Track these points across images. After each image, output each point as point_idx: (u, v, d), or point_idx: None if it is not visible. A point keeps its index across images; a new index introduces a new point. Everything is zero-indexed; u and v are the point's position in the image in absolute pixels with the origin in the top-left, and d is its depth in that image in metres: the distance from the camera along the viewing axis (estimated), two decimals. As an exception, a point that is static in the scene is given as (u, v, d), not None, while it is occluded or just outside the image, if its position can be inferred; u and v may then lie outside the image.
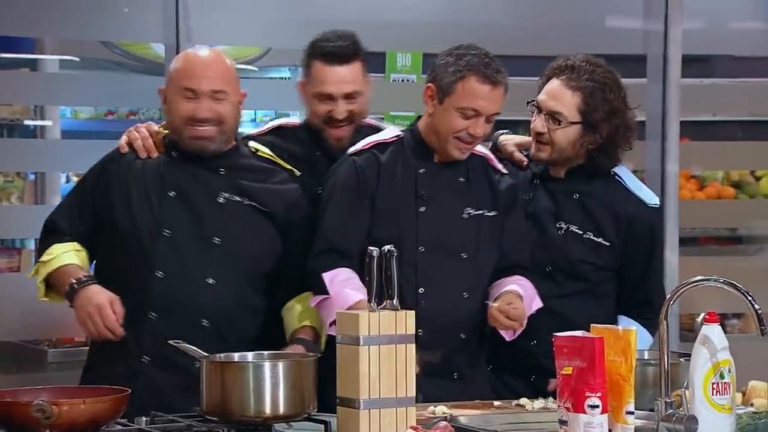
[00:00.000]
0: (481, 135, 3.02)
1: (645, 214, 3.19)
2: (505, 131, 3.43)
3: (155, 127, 3.13)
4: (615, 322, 3.17)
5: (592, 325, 2.55)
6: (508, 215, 3.13)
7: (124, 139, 3.13)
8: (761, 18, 4.97)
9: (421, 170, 3.05)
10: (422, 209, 3.02)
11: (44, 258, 2.99)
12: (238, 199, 3.00)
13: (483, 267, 3.08)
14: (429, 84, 3.02)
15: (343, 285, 2.92)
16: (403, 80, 6.21)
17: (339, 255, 2.97)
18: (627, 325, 2.95)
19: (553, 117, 3.12)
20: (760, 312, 2.53)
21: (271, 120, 5.99)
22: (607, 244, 3.16)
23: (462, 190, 3.08)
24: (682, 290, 2.55)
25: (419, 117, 3.15)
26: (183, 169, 3.00)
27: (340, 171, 3.05)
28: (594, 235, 3.15)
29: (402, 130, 3.14)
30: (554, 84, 3.14)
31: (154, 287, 2.92)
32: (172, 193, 2.98)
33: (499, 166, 3.19)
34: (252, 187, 3.02)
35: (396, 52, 6.18)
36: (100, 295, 2.83)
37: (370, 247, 2.49)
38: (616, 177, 3.22)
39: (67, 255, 2.97)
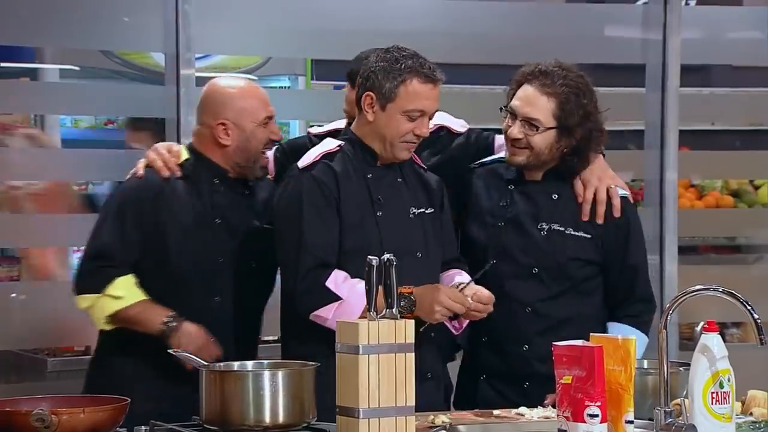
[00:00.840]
0: (427, 134, 3.06)
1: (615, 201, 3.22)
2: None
3: (176, 148, 3.26)
4: (602, 319, 3.21)
5: (591, 334, 2.55)
6: (443, 211, 3.18)
7: (141, 163, 3.21)
8: (760, 28, 4.98)
9: (369, 175, 3.06)
10: (379, 214, 3.04)
11: (113, 293, 3.10)
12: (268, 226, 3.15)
13: (434, 264, 3.12)
14: (367, 93, 3.01)
15: (348, 284, 2.94)
16: (402, 89, 6.23)
17: (328, 267, 2.98)
18: (620, 333, 2.96)
19: (530, 123, 3.14)
20: (759, 321, 2.53)
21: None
22: (588, 236, 3.18)
23: (403, 190, 3.11)
24: (682, 299, 2.55)
25: (349, 124, 3.14)
26: (227, 196, 3.17)
27: (302, 187, 3.01)
28: (574, 230, 3.19)
29: (340, 140, 3.10)
30: (528, 90, 3.15)
31: (212, 312, 3.10)
32: (218, 221, 3.14)
33: (420, 162, 3.22)
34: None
35: (395, 61, 6.19)
36: (199, 329, 3.05)
37: (369, 257, 2.49)
38: None
39: (137, 291, 3.11)
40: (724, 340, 2.54)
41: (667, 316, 2.51)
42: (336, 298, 2.92)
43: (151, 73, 5.21)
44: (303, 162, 3.05)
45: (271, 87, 5.76)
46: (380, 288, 2.45)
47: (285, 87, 5.80)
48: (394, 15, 4.46)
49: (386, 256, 2.48)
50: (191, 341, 2.99)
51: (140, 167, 3.20)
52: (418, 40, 4.58)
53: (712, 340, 2.54)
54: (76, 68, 5.29)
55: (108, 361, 3.17)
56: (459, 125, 3.45)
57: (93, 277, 3.12)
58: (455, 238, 3.26)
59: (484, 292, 3.01)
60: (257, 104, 3.20)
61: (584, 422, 2.34)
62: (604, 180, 3.23)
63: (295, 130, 5.93)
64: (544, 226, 3.19)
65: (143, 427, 2.50)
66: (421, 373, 2.92)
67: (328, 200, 2.99)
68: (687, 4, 5.54)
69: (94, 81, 5.31)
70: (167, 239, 3.10)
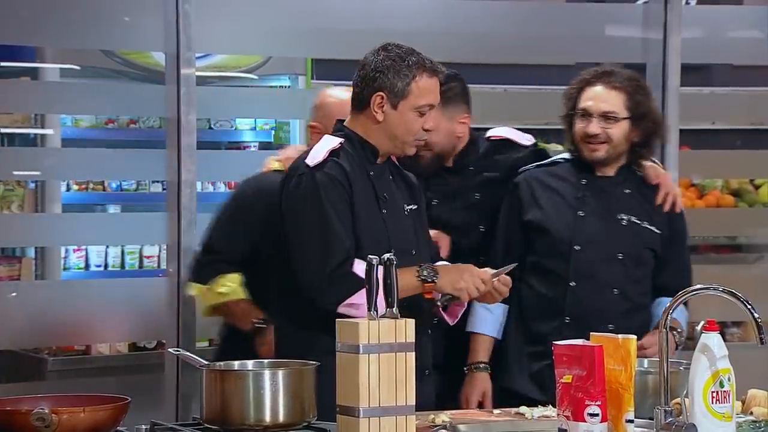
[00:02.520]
0: (434, 127, 3.12)
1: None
2: None
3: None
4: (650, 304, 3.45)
5: (591, 333, 2.55)
6: (424, 208, 3.22)
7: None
8: (760, 27, 4.98)
9: (371, 172, 3.07)
10: (384, 211, 3.06)
11: (221, 289, 3.37)
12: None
13: (425, 260, 3.11)
14: (378, 93, 3.00)
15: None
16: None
17: (352, 258, 2.97)
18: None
19: (606, 117, 3.39)
20: (759, 320, 2.53)
21: (271, 128, 6.06)
22: (659, 231, 3.45)
23: (396, 188, 3.12)
24: (682, 298, 2.55)
25: (339, 122, 3.12)
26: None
27: (318, 184, 2.98)
28: (649, 224, 3.44)
29: (339, 137, 3.09)
30: (596, 89, 3.43)
31: None
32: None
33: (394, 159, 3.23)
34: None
35: (396, 60, 6.18)
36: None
37: (369, 256, 2.49)
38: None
39: (240, 290, 3.38)
40: (725, 340, 2.53)
41: (667, 316, 2.51)
42: (365, 283, 2.92)
43: (152, 72, 5.21)
44: (312, 160, 3.02)
45: (271, 86, 5.77)
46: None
47: (285, 86, 5.80)
48: (394, 14, 4.46)
49: (386, 255, 2.48)
50: (269, 348, 3.22)
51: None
52: (418, 40, 4.58)
53: (712, 340, 2.54)
54: (77, 68, 5.29)
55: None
56: (525, 139, 3.64)
57: (203, 269, 3.43)
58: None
59: (506, 276, 3.09)
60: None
61: (584, 421, 2.34)
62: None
63: (296, 130, 5.94)
64: (624, 217, 3.43)
65: (144, 426, 2.50)
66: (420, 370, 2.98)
67: (343, 197, 2.99)
68: (687, 3, 5.54)
69: (94, 80, 5.31)
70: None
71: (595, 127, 3.40)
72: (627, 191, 3.47)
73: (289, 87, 5.77)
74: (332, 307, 2.90)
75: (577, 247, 3.40)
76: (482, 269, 3.06)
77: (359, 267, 2.91)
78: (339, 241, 2.94)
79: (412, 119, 3.01)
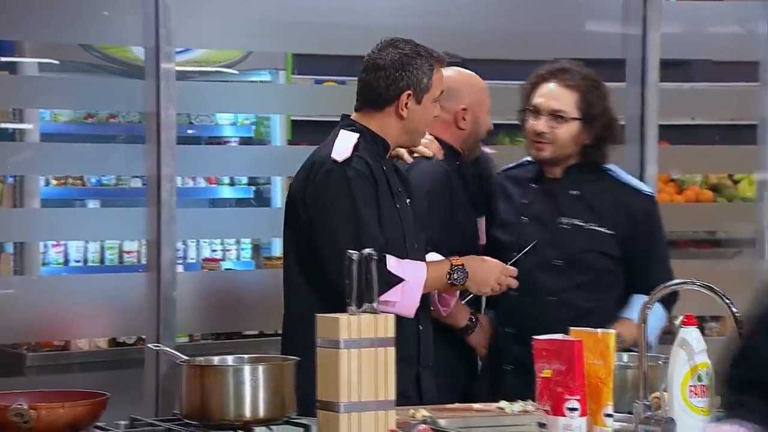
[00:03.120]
0: (439, 113, 3.13)
1: (640, 201, 3.34)
2: None
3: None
4: (620, 310, 3.31)
5: (571, 328, 2.56)
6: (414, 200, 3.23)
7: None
8: (739, 23, 5.00)
9: (384, 167, 3.07)
10: (398, 206, 3.07)
11: None
12: None
13: (421, 256, 3.13)
14: (407, 92, 3.01)
15: (403, 265, 2.97)
16: (383, 84, 6.22)
17: (384, 254, 2.97)
18: (640, 301, 3.03)
19: (555, 116, 3.28)
20: (738, 315, 2.54)
21: (252, 123, 6.05)
22: (610, 232, 3.30)
23: (398, 183, 3.13)
24: (661, 293, 2.57)
25: (346, 117, 3.11)
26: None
27: (349, 180, 2.97)
28: (597, 226, 3.30)
29: (353, 132, 3.08)
30: (550, 86, 3.31)
31: None
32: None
33: None
34: None
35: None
36: None
37: (349, 251, 2.49)
38: (609, 172, 3.38)
39: None
40: (704, 334, 2.55)
41: (646, 310, 2.53)
42: (399, 280, 2.94)
43: (131, 67, 5.19)
44: (339, 155, 3.00)
45: (252, 81, 5.76)
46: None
47: (265, 81, 5.79)
48: (373, 9, 4.46)
49: (366, 250, 2.48)
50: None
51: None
52: (397, 34, 4.58)
53: (690, 334, 2.56)
54: (56, 62, 5.26)
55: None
56: None
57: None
58: None
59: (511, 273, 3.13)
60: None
61: (564, 416, 2.35)
62: None
63: (276, 125, 5.94)
64: (565, 221, 3.31)
65: (122, 422, 2.50)
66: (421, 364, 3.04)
67: (372, 193, 3.00)
68: (667, -2, 5.55)
69: (73, 75, 5.28)
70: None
71: (543, 125, 3.29)
72: (573, 193, 3.32)
73: (269, 82, 5.77)
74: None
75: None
76: (506, 265, 3.10)
77: (392, 264, 2.94)
78: (372, 237, 2.94)
79: (433, 109, 3.08)
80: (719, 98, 5.35)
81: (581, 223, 3.29)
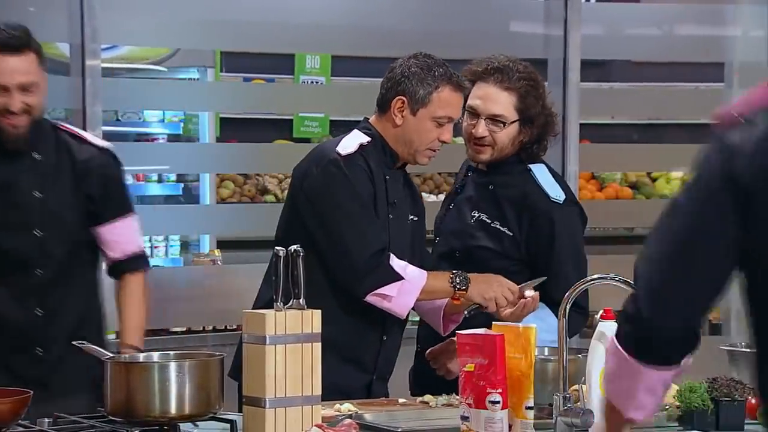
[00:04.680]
0: (450, 140, 3.11)
1: (545, 207, 3.24)
2: None
3: None
4: None
5: (493, 323, 2.61)
6: (424, 220, 3.26)
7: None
8: (658, 24, 5.12)
9: (387, 177, 3.09)
10: (391, 216, 3.08)
11: None
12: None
13: None
14: (399, 97, 3.04)
15: (405, 266, 2.98)
16: (312, 82, 6.24)
17: (386, 250, 3.00)
18: (541, 312, 3.11)
19: (494, 120, 3.21)
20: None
21: (180, 120, 6.02)
22: (510, 233, 3.23)
23: (405, 197, 3.15)
24: (580, 288, 2.62)
25: (366, 119, 3.13)
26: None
27: (351, 174, 2.99)
28: (500, 225, 3.24)
29: (366, 135, 3.09)
30: (486, 88, 3.22)
31: None
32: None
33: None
34: None
35: (305, 54, 6.21)
36: None
37: (276, 247, 2.51)
38: (530, 172, 3.30)
39: None
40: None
41: (565, 305, 2.58)
42: (399, 277, 2.96)
43: (57, 63, 5.12)
44: (344, 150, 3.03)
45: (180, 79, 5.74)
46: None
47: (194, 79, 5.77)
48: (301, 8, 4.48)
49: (293, 247, 2.51)
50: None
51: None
52: (324, 33, 4.63)
53: (609, 328, 2.61)
54: (-21, 58, 5.17)
55: None
56: None
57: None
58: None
59: (533, 291, 3.06)
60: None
61: (486, 409, 2.39)
62: None
63: (205, 122, 5.91)
64: (476, 215, 3.28)
65: (46, 420, 2.49)
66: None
67: (370, 192, 3.02)
68: (587, 0, 5.66)
69: (-3, 71, 5.20)
70: None
71: (482, 129, 3.21)
72: (489, 188, 3.28)
73: (197, 79, 5.75)
74: (363, 295, 2.94)
75: (437, 239, 3.33)
76: (511, 281, 3.06)
77: (395, 261, 2.97)
78: (376, 231, 2.98)
79: (429, 128, 3.04)
80: (638, 98, 5.47)
81: (488, 220, 3.26)
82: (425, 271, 3.03)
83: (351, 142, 3.05)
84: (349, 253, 2.96)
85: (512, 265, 3.25)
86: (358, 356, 3.05)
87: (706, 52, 5.07)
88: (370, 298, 2.96)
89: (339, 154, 3.02)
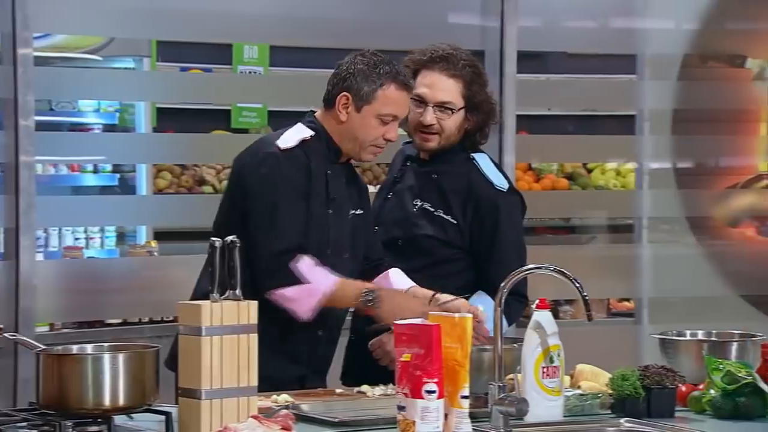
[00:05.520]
0: (395, 139, 3.10)
1: (491, 195, 3.28)
2: None
3: None
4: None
5: (429, 313, 2.62)
6: (368, 211, 3.24)
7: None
8: (594, 17, 5.17)
9: (329, 171, 3.08)
10: (330, 212, 3.08)
11: None
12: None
13: (355, 266, 3.16)
14: (343, 93, 3.04)
15: (316, 269, 2.96)
16: (250, 72, 6.21)
17: (297, 251, 2.98)
18: (479, 299, 3.14)
19: (442, 107, 3.24)
20: (587, 298, 2.65)
21: (116, 110, 5.95)
22: (454, 221, 3.26)
23: (347, 191, 3.14)
24: (516, 278, 2.65)
25: (312, 112, 3.12)
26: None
27: (283, 169, 2.99)
28: (444, 213, 3.27)
29: (310, 129, 3.09)
30: (432, 76, 3.26)
31: None
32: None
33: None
34: None
35: (243, 44, 6.18)
36: None
37: (212, 238, 2.50)
38: (473, 161, 3.34)
39: None
40: (558, 317, 2.64)
41: (501, 295, 2.60)
42: (299, 281, 2.94)
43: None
44: (284, 143, 3.02)
45: (115, 68, 5.67)
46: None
47: (130, 68, 5.71)
48: (238, -3, 4.45)
49: (229, 238, 2.50)
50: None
51: None
52: (261, 23, 4.61)
53: (543, 317, 2.65)
54: None
55: None
56: None
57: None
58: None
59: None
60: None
61: (422, 398, 2.40)
62: None
63: (141, 112, 5.85)
64: (418, 203, 3.29)
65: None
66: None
67: (303, 188, 3.01)
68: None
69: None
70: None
71: (430, 117, 3.24)
72: (433, 177, 3.31)
73: (133, 69, 5.69)
74: (265, 293, 2.92)
75: (376, 229, 3.30)
76: (428, 302, 3.01)
77: (305, 263, 2.94)
78: (290, 229, 2.97)
79: (374, 126, 3.04)
80: (574, 90, 5.52)
81: (431, 209, 3.27)
82: (337, 278, 2.98)
83: (292, 136, 3.06)
84: (258, 248, 2.95)
85: (456, 253, 3.28)
86: (290, 349, 3.04)
87: (627, 45, 5.13)
88: (272, 297, 2.95)
89: (278, 148, 3.02)
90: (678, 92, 5.23)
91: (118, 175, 5.89)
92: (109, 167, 5.86)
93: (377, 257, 3.24)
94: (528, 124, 5.49)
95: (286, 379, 2.99)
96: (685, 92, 5.22)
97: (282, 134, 3.07)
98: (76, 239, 5.62)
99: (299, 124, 3.11)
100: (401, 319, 2.81)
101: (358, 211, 3.17)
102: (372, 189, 5.19)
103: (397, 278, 3.20)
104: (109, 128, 5.90)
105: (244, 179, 3.05)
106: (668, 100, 5.20)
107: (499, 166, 3.42)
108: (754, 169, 5.45)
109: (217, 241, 2.47)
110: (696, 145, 5.32)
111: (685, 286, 5.12)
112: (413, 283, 3.18)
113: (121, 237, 5.79)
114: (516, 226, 3.34)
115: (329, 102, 3.09)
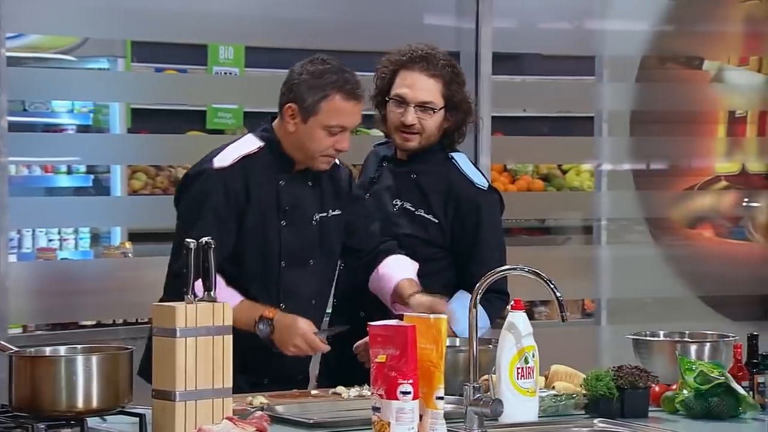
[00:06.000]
0: (347, 149, 3.05)
1: (471, 193, 3.30)
2: None
3: None
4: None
5: (405, 314, 2.62)
6: (355, 204, 3.22)
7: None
8: (569, 18, 5.20)
9: (281, 182, 3.05)
10: (283, 223, 3.05)
11: None
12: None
13: (324, 269, 3.15)
14: (289, 104, 3.00)
15: (221, 290, 2.86)
16: (225, 73, 6.19)
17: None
18: (461, 297, 3.14)
19: (424, 107, 3.25)
20: (562, 299, 2.65)
21: (90, 111, 5.93)
22: (435, 220, 3.27)
23: (311, 196, 3.11)
24: (491, 279, 2.65)
25: (273, 118, 3.10)
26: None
27: (208, 187, 2.98)
28: (425, 212, 3.28)
29: (261, 140, 3.07)
30: (413, 76, 3.26)
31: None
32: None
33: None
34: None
35: (218, 44, 6.16)
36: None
37: (187, 239, 2.49)
38: (452, 160, 3.36)
39: None
40: (533, 318, 2.64)
41: (476, 295, 2.60)
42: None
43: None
44: (220, 162, 2.99)
45: (89, 69, 5.64)
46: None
47: (104, 69, 5.68)
48: (214, -2, 4.44)
49: (204, 239, 2.49)
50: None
51: None
52: (238, 24, 4.60)
53: (518, 318, 2.66)
54: None
55: None
56: None
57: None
58: (376, 227, 3.28)
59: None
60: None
61: (397, 399, 2.40)
62: None
63: (116, 113, 5.83)
64: (398, 203, 3.30)
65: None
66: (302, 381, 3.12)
67: (231, 209, 2.97)
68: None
69: None
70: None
71: (412, 117, 3.24)
72: (412, 177, 3.31)
73: (108, 69, 5.66)
74: None
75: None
76: (313, 330, 2.99)
77: (198, 286, 2.84)
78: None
79: (321, 137, 2.99)
80: (549, 91, 5.55)
81: (411, 208, 3.28)
82: (237, 302, 2.90)
83: (230, 154, 3.02)
84: (168, 265, 3.00)
85: (437, 252, 3.30)
86: (243, 361, 2.96)
87: (586, 47, 5.16)
88: None
89: (211, 166, 3.00)
90: (636, 94, 5.26)
91: (92, 176, 5.87)
92: (83, 168, 5.84)
93: (371, 248, 3.21)
94: (503, 125, 5.51)
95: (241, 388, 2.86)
96: (643, 94, 5.26)
97: (222, 150, 3.04)
98: (50, 240, 5.59)
99: (248, 136, 3.08)
100: (291, 350, 2.96)
101: (333, 212, 3.14)
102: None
103: (388, 270, 3.17)
104: (83, 129, 5.88)
105: (176, 193, 3.09)
106: (627, 102, 5.24)
107: (476, 166, 3.44)
108: (711, 170, 5.49)
109: (192, 243, 2.47)
110: (654, 147, 5.36)
111: (643, 286, 5.16)
112: (409, 273, 3.16)
113: (96, 238, 5.77)
114: (497, 225, 3.37)
115: (280, 111, 3.05)
